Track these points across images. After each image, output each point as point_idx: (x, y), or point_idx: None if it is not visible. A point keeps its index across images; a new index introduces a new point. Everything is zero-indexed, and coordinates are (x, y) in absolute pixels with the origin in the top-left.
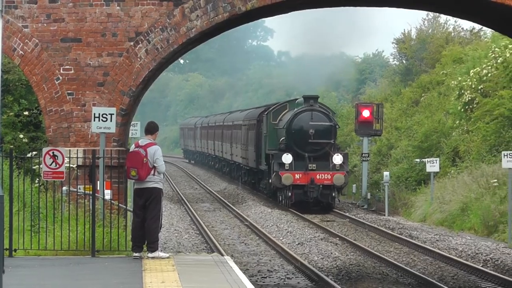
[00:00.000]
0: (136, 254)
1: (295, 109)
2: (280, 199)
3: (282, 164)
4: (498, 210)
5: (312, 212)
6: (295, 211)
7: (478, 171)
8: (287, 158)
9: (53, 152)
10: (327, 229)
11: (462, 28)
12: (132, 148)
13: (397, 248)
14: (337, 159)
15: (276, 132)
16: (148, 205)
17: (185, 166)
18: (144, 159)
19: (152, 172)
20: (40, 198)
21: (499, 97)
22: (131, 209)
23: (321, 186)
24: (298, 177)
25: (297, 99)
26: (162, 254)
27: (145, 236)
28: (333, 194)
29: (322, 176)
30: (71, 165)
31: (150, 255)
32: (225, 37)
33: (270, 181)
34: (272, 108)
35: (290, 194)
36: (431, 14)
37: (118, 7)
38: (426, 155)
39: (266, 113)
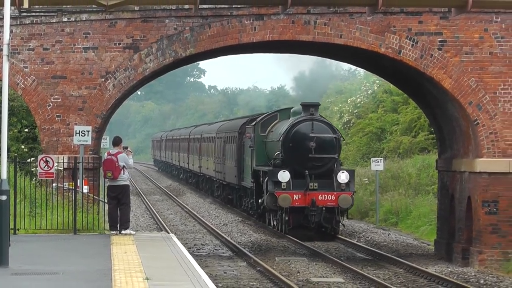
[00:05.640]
0: (113, 232)
1: (292, 119)
2: (273, 223)
3: (278, 183)
4: (368, 201)
5: (313, 239)
6: (293, 239)
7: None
8: (284, 176)
9: (46, 158)
10: (244, 214)
11: (342, 68)
12: (105, 156)
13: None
14: (343, 177)
15: (265, 145)
16: (120, 197)
17: (141, 169)
18: (116, 164)
19: (122, 172)
20: (36, 191)
21: (369, 119)
22: (103, 200)
23: (324, 208)
24: (296, 198)
25: (290, 108)
26: (132, 231)
27: (120, 218)
28: (338, 218)
29: (325, 197)
30: (59, 168)
31: (123, 232)
32: (171, 75)
33: (261, 201)
34: (260, 118)
35: (287, 218)
36: (319, 58)
37: (93, 53)
38: None
39: (253, 124)
